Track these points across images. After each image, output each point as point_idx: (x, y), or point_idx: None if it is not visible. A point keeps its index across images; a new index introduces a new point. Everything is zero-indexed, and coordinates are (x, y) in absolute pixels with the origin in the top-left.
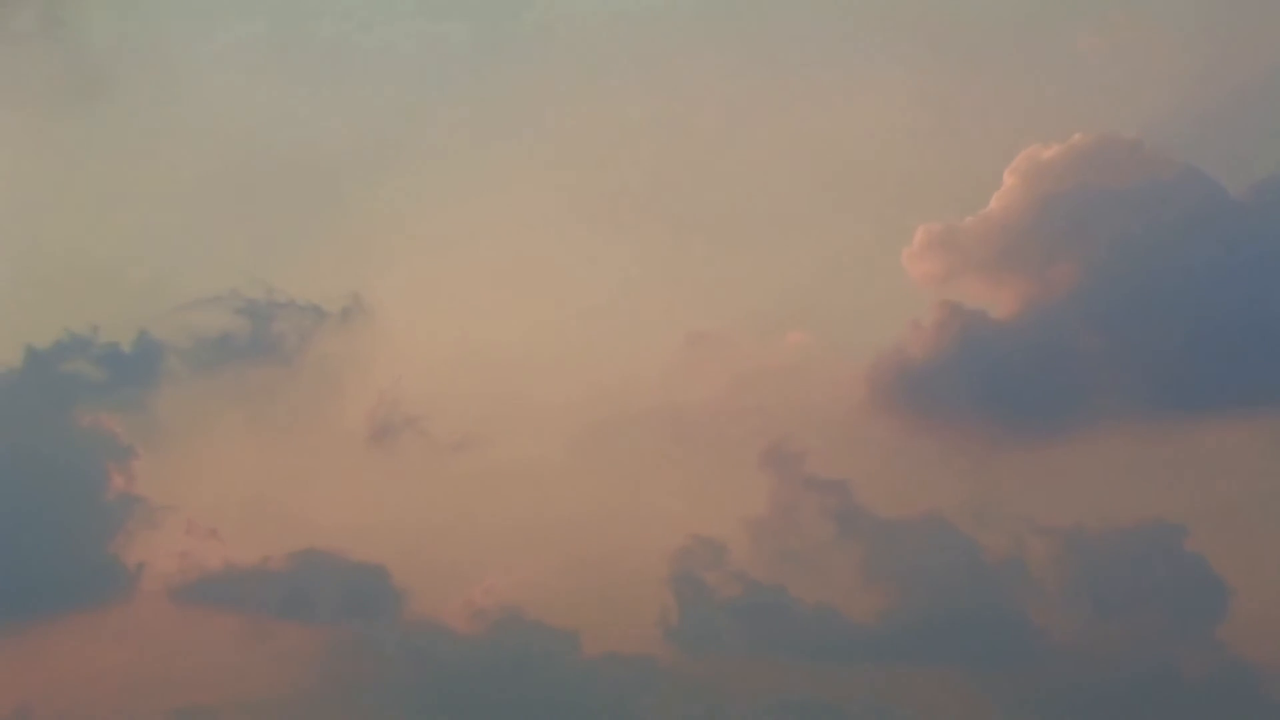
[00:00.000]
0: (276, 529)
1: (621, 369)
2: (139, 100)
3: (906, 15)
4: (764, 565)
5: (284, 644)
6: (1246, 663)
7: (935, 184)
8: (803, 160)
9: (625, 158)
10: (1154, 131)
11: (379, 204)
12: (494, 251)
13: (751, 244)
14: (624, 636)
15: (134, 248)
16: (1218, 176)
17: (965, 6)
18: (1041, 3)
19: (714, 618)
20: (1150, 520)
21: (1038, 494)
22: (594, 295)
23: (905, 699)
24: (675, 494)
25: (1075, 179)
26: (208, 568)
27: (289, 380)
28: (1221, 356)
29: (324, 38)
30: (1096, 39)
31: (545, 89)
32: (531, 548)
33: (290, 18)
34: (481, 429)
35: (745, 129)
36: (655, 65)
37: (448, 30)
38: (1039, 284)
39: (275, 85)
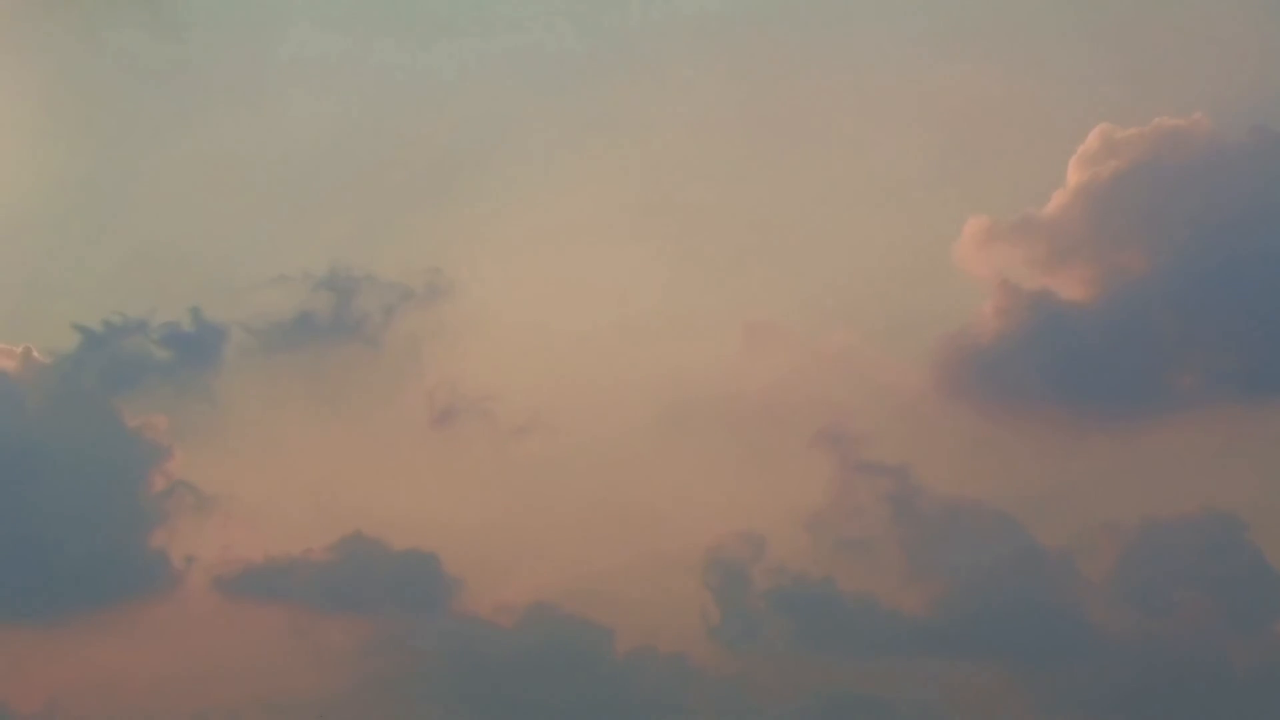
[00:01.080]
0: (329, 518)
1: (682, 358)
2: (232, 81)
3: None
4: (815, 557)
5: (332, 637)
6: None
7: (1000, 169)
8: (871, 145)
9: (693, 157)
10: (1225, 112)
11: (464, 193)
12: (569, 241)
13: (811, 235)
14: (671, 630)
15: (202, 230)
16: None
17: None
18: None
19: (762, 610)
20: (1210, 511)
21: (1098, 484)
22: (659, 285)
23: (954, 695)
24: (730, 484)
25: (1146, 161)
26: (256, 559)
27: (352, 363)
28: None
29: (425, 35)
30: (1162, 20)
31: (621, 93)
32: (584, 538)
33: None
34: (545, 415)
35: (807, 124)
36: (719, 66)
37: (541, 39)
38: (1107, 269)
39: (369, 76)
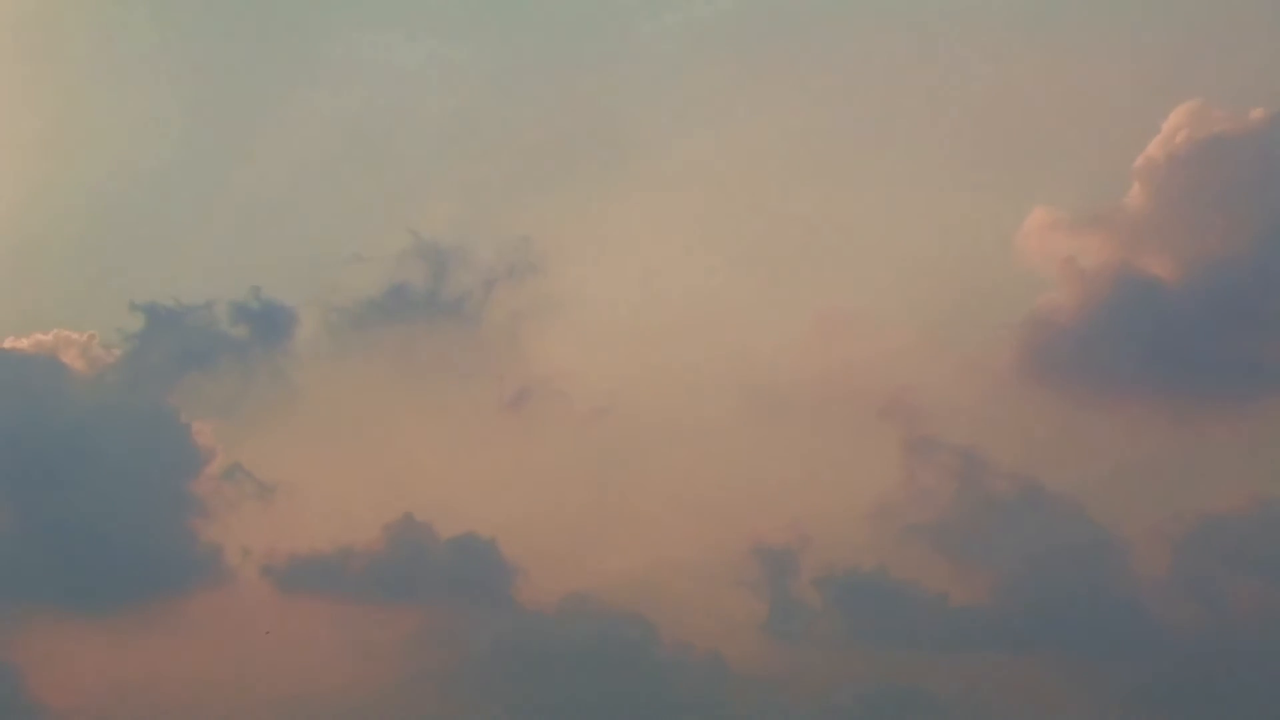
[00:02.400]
0: (387, 505)
1: (755, 345)
2: (324, 61)
3: None
4: (879, 546)
5: (388, 627)
6: None
7: (1074, 154)
8: (943, 134)
9: (771, 151)
10: None
11: (560, 177)
12: (655, 229)
13: (887, 223)
14: (727, 622)
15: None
16: None
17: None
18: None
19: (823, 601)
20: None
21: (1168, 470)
22: (736, 274)
23: (1010, 690)
24: (799, 471)
25: (1227, 142)
26: (313, 549)
27: (428, 343)
28: None
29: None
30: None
31: (709, 91)
32: (655, 526)
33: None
34: (621, 399)
35: (878, 117)
36: (794, 64)
37: (644, 36)
38: (1179, 253)
39: (472, 60)
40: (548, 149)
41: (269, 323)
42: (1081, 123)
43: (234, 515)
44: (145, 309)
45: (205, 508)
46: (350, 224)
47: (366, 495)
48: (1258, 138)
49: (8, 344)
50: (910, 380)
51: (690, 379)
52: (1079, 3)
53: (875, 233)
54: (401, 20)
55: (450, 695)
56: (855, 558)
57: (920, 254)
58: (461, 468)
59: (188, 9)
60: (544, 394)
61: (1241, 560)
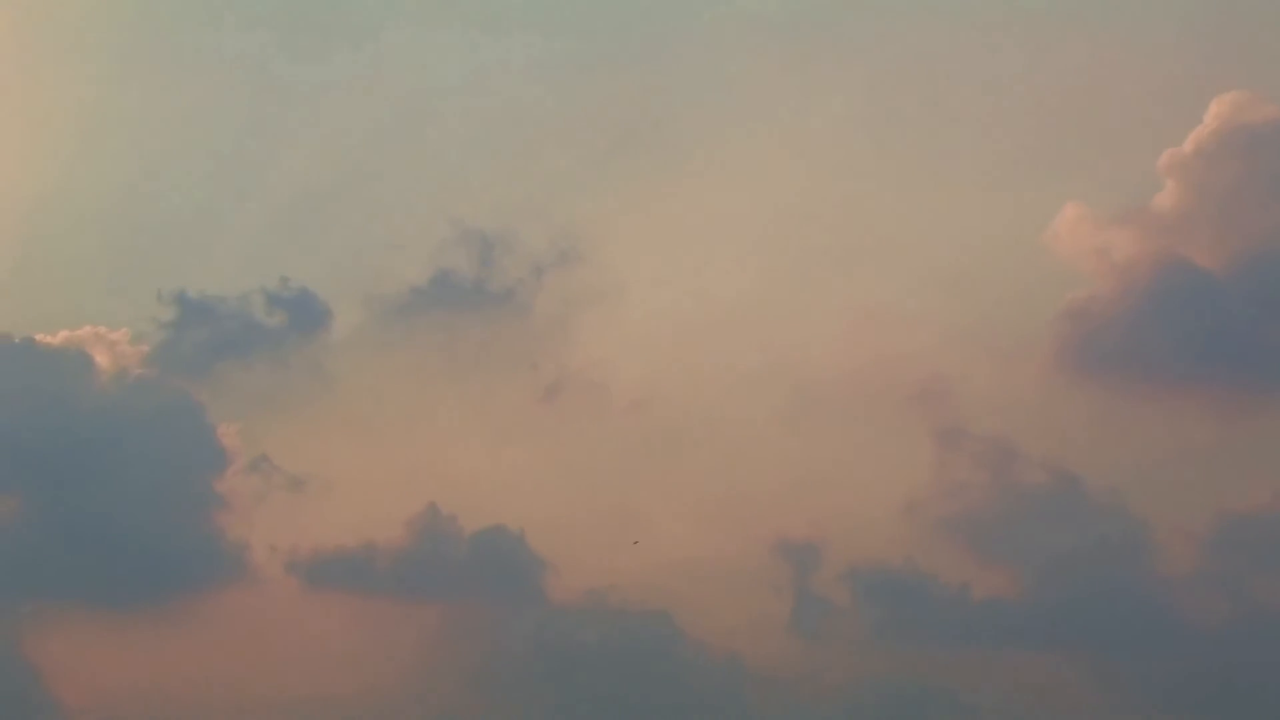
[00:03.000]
0: (413, 498)
1: (792, 340)
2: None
3: None
4: (914, 541)
5: (414, 620)
6: None
7: (1110, 148)
8: (981, 128)
9: (814, 149)
10: None
11: (609, 170)
12: (701, 223)
13: (921, 219)
14: (753, 618)
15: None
16: None
17: None
18: None
19: (844, 597)
20: None
21: (1215, 470)
22: (775, 271)
23: (1036, 686)
24: (825, 467)
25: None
26: (340, 544)
27: (465, 333)
28: None
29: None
30: None
31: (761, 86)
32: (691, 520)
33: None
34: (658, 392)
35: (919, 113)
36: (839, 63)
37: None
38: (1219, 246)
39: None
40: (596, 139)
41: (302, 312)
42: (1116, 117)
43: (260, 510)
44: (177, 299)
45: (231, 503)
46: (391, 213)
47: (395, 489)
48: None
49: (39, 339)
50: (943, 375)
51: (727, 374)
52: None
53: (909, 229)
54: (449, 12)
55: (476, 691)
56: (884, 553)
57: (954, 250)
58: (494, 460)
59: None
60: (580, 386)
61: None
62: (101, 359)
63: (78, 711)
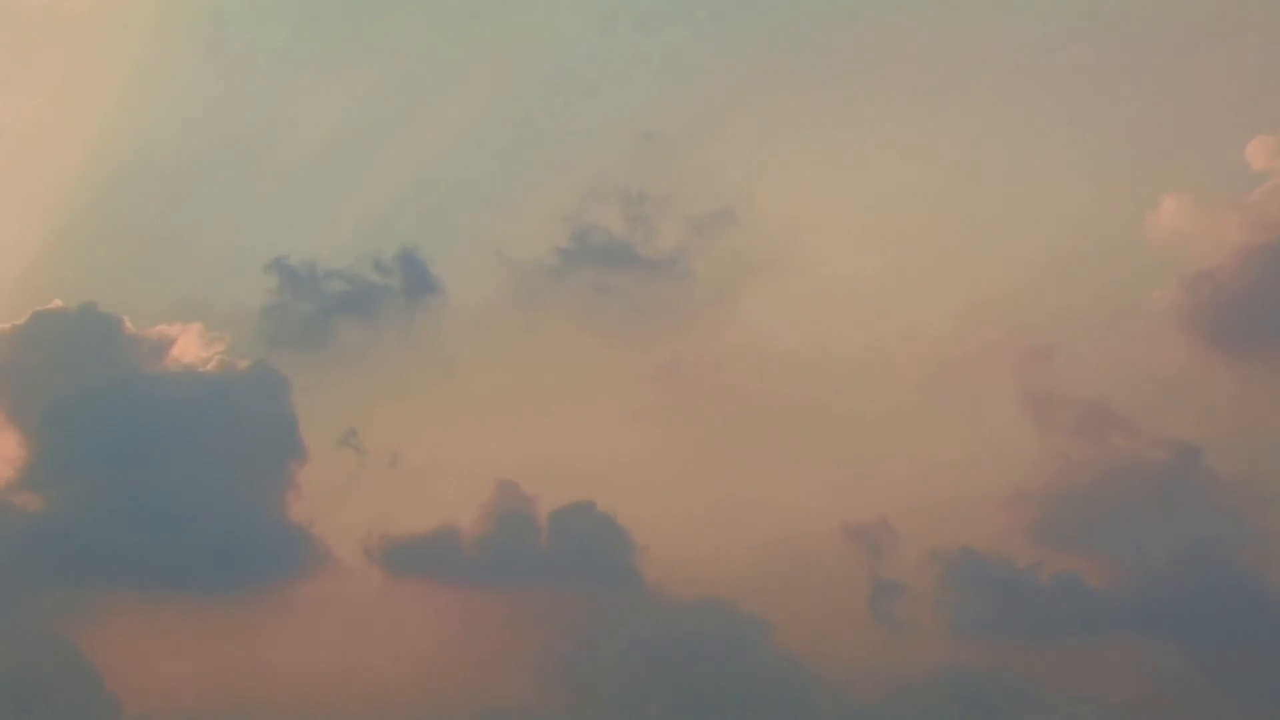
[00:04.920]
0: (500, 482)
1: (911, 328)
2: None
3: None
4: (1018, 534)
5: (504, 608)
6: None
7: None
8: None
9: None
10: None
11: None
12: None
13: (1026, 211)
14: (839, 610)
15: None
16: None
17: None
18: None
19: (948, 587)
20: None
21: None
22: (887, 262)
23: (1133, 681)
24: (933, 454)
25: None
26: (429, 527)
27: (584, 309)
28: None
29: None
30: None
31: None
32: (776, 512)
33: None
34: (776, 373)
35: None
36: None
37: None
38: None
39: None
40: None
41: (409, 280)
42: (1213, 108)
43: (345, 492)
44: (276, 267)
45: (314, 485)
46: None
47: (486, 468)
48: None
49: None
50: (1055, 359)
51: (847, 361)
52: None
53: (1012, 219)
54: None
55: (569, 684)
56: (995, 543)
57: (1060, 239)
58: (600, 441)
59: None
60: (695, 364)
61: None
62: (184, 333)
63: (145, 705)
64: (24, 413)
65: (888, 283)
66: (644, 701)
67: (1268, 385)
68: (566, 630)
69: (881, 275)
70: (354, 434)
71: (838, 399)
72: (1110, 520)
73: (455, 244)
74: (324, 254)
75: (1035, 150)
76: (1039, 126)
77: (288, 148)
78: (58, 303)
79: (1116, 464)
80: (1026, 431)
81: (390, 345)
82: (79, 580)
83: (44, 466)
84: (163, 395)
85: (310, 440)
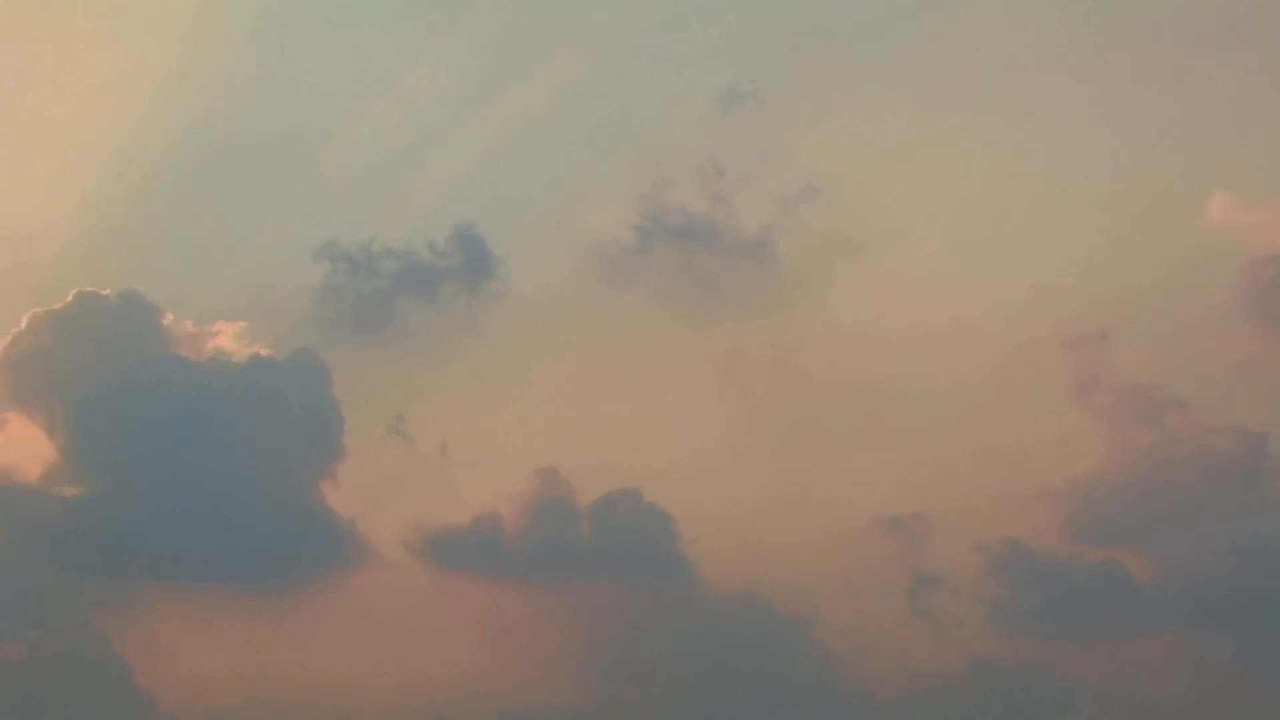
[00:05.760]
0: (545, 470)
1: (964, 318)
2: None
3: None
4: (1064, 526)
5: (548, 601)
6: None
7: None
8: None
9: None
10: None
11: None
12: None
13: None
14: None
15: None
16: None
17: None
18: None
19: (997, 580)
20: None
21: None
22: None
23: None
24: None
25: None
26: (472, 517)
27: (654, 284)
28: None
29: None
30: None
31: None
32: (821, 504)
33: None
34: (833, 361)
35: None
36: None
37: None
38: None
39: None
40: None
41: (467, 262)
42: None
43: (390, 481)
44: (327, 251)
45: (357, 475)
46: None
47: (536, 458)
48: None
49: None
50: (1113, 351)
51: (913, 347)
52: None
53: (1064, 215)
54: None
55: (607, 680)
56: (1038, 536)
57: (1114, 233)
58: (666, 431)
59: None
60: (764, 350)
61: None
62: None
63: (177, 702)
64: (62, 401)
65: (951, 270)
66: (683, 697)
67: None
68: (610, 624)
69: (944, 262)
70: (402, 420)
71: (900, 385)
72: (1168, 511)
73: (521, 224)
74: (384, 235)
75: (1095, 144)
76: (1100, 121)
77: (349, 133)
78: (102, 290)
79: (1177, 453)
80: (1084, 420)
81: (448, 328)
82: (114, 572)
83: (80, 456)
84: (203, 384)
85: (356, 428)
